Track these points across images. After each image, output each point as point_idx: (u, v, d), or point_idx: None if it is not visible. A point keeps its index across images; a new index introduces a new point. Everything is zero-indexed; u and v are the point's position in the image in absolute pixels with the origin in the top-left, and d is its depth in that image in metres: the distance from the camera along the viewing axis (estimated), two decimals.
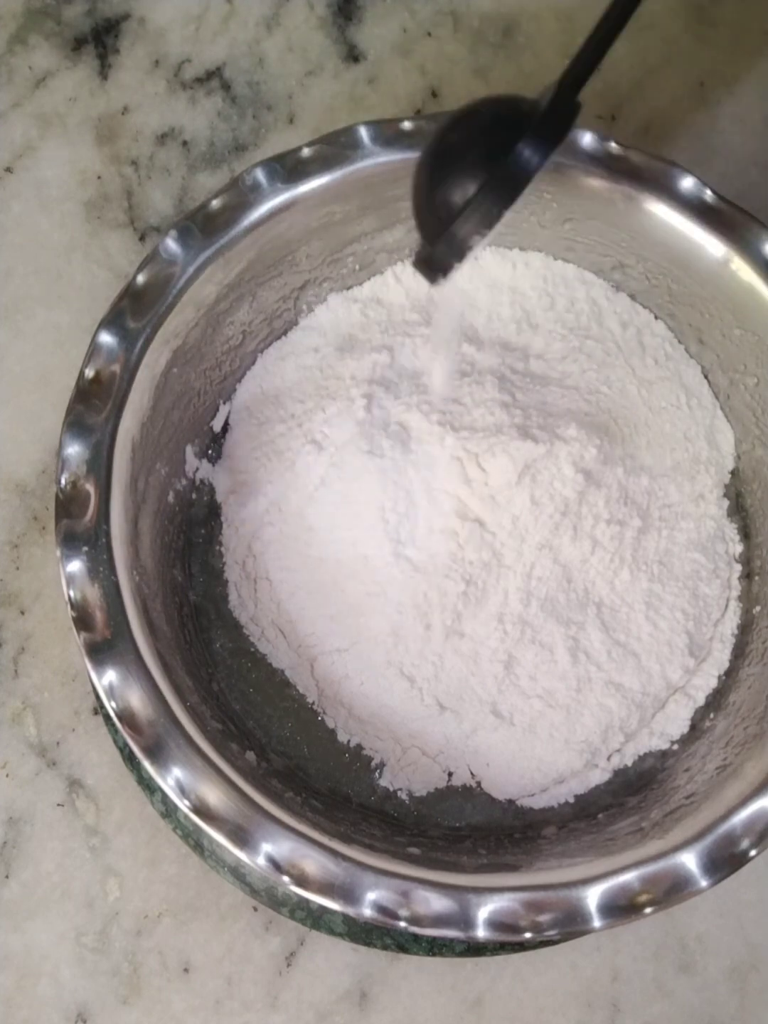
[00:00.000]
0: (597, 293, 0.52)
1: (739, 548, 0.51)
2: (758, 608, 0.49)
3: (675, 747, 0.48)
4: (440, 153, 0.30)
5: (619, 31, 0.30)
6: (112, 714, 0.39)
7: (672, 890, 0.39)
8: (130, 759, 0.49)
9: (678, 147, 0.59)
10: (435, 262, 0.30)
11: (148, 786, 0.48)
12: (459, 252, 0.29)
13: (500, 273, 0.51)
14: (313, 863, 0.38)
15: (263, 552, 0.49)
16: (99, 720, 0.51)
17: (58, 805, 0.50)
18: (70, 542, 0.40)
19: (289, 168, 0.45)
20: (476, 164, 0.28)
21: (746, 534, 0.51)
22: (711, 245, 0.45)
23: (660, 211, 0.46)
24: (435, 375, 0.47)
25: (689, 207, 0.45)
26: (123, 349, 0.42)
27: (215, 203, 0.44)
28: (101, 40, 0.59)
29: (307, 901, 0.45)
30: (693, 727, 0.48)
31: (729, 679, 0.49)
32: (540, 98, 0.30)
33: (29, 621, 0.52)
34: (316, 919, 0.47)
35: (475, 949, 0.48)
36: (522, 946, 0.48)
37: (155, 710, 0.39)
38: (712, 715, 0.48)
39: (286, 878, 0.38)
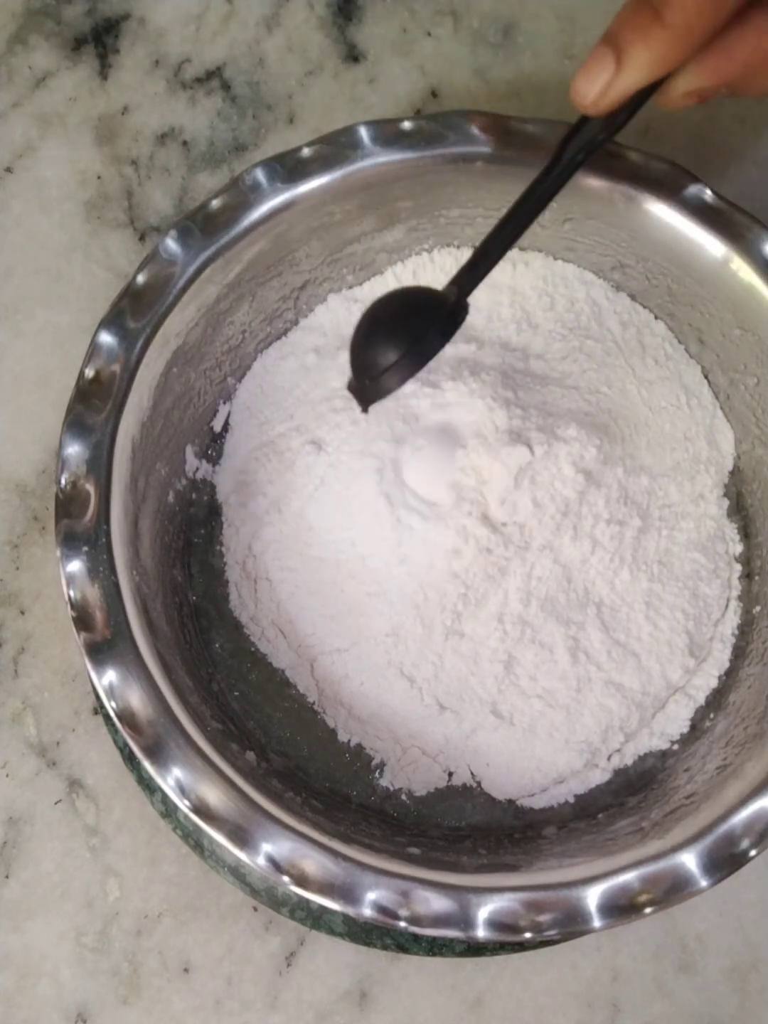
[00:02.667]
0: (597, 293, 0.52)
1: (739, 548, 0.51)
2: (758, 608, 0.49)
3: (675, 747, 0.48)
4: (374, 323, 0.41)
5: (509, 247, 0.41)
6: (112, 714, 0.39)
7: (672, 890, 0.39)
8: (130, 759, 0.49)
9: (678, 147, 0.59)
10: (364, 397, 0.42)
11: (148, 786, 0.48)
12: (380, 396, 0.41)
13: (500, 273, 0.51)
14: (313, 863, 0.38)
15: (263, 552, 0.49)
16: (99, 720, 0.51)
17: (58, 805, 0.50)
18: (70, 542, 0.40)
19: (289, 168, 0.45)
20: (398, 339, 0.40)
21: (746, 534, 0.51)
22: (711, 245, 0.45)
23: (660, 211, 0.46)
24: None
25: (689, 207, 0.45)
26: (123, 349, 0.42)
27: (215, 203, 0.44)
28: (101, 40, 0.59)
29: (307, 901, 0.45)
30: (693, 727, 0.48)
31: (729, 679, 0.49)
32: (446, 292, 0.40)
33: (29, 621, 0.52)
34: (316, 919, 0.47)
35: (475, 949, 0.48)
36: (522, 946, 0.48)
37: (155, 710, 0.39)
38: (712, 715, 0.48)
39: (286, 878, 0.38)
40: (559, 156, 0.40)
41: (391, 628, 0.47)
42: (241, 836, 0.38)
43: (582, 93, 0.37)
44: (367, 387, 0.41)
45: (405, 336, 0.40)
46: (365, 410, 0.43)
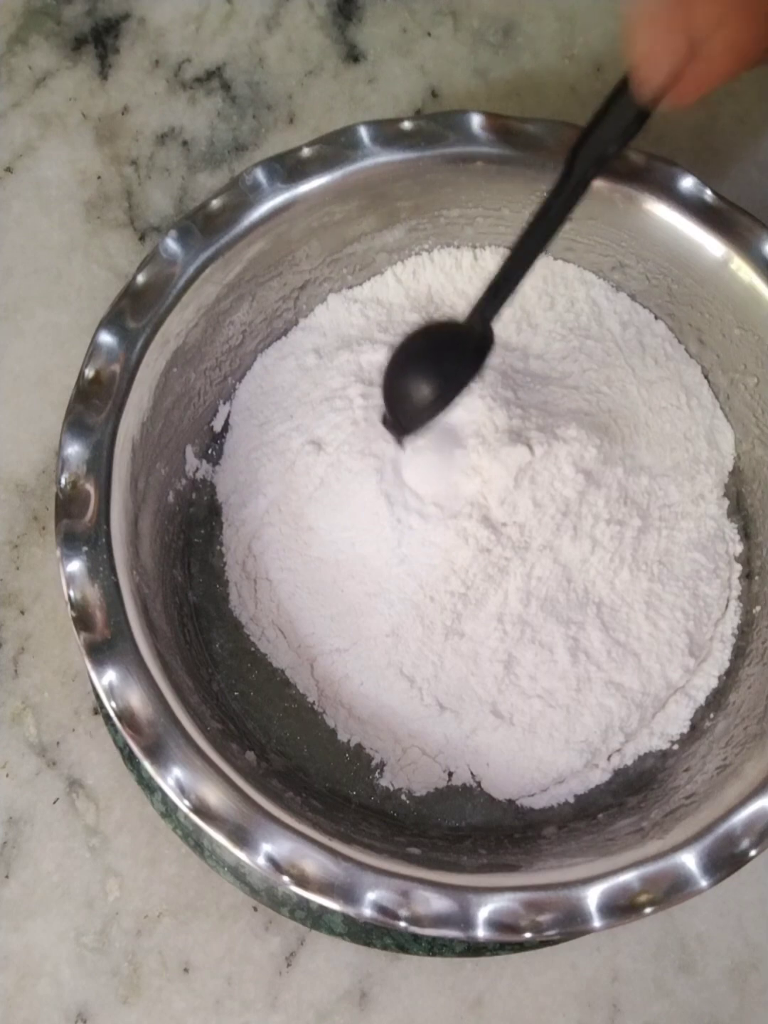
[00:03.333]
0: (597, 293, 0.52)
1: (739, 548, 0.51)
2: (758, 608, 0.49)
3: (675, 747, 0.48)
4: (405, 361, 0.43)
5: (528, 268, 0.41)
6: (112, 714, 0.39)
7: (672, 890, 0.39)
8: (130, 759, 0.49)
9: (678, 147, 0.59)
10: (399, 432, 0.44)
11: (148, 786, 0.48)
12: (415, 429, 0.44)
13: None
14: (313, 863, 0.38)
15: (263, 552, 0.49)
16: (99, 720, 0.51)
17: (58, 805, 0.50)
18: (70, 542, 0.40)
19: (289, 168, 0.45)
20: (430, 375, 0.42)
21: (746, 534, 0.51)
22: (711, 245, 0.45)
23: (660, 211, 0.46)
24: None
25: (689, 207, 0.45)
26: (123, 349, 0.42)
27: (215, 203, 0.44)
28: (101, 40, 0.59)
29: (307, 901, 0.45)
30: (693, 727, 0.48)
31: (729, 679, 0.49)
32: (471, 323, 0.42)
33: (29, 621, 0.52)
34: (316, 919, 0.47)
35: (475, 949, 0.48)
36: (522, 946, 0.48)
37: (155, 710, 0.39)
38: (712, 715, 0.48)
39: (286, 878, 0.38)
40: (570, 171, 0.40)
41: (391, 628, 0.47)
42: (241, 836, 0.38)
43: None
44: (402, 422, 0.43)
45: (436, 372, 0.42)
46: (401, 444, 0.46)
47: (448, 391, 0.42)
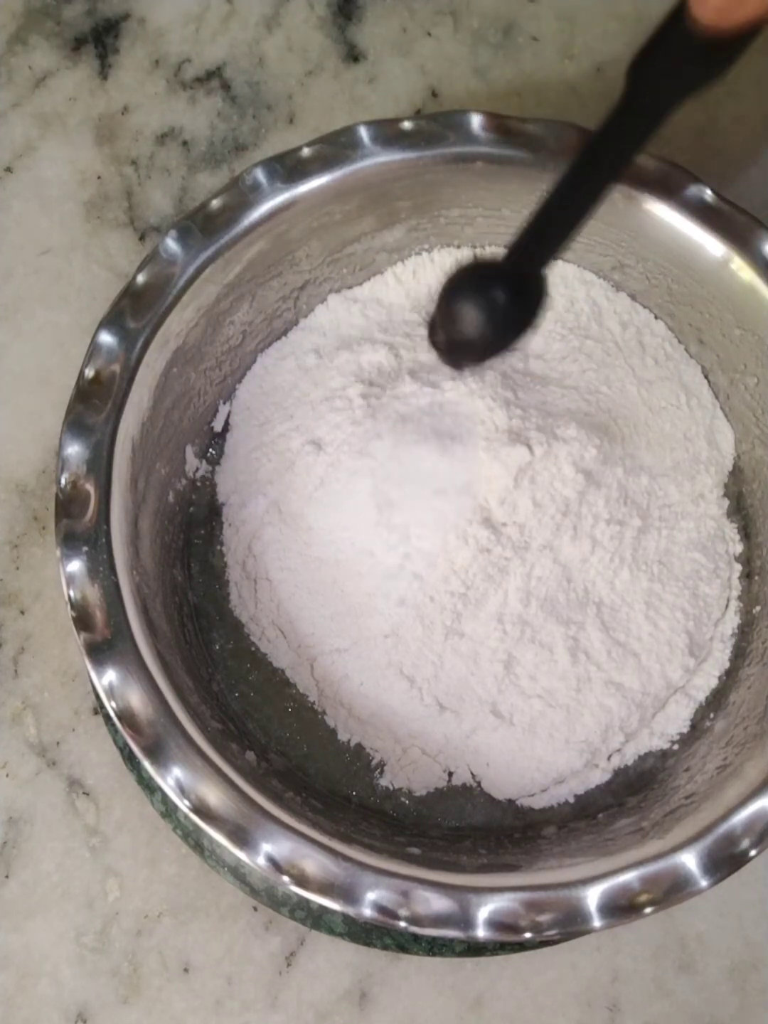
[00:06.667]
0: (597, 293, 0.52)
1: (739, 548, 0.51)
2: (758, 608, 0.49)
3: (675, 747, 0.48)
4: (455, 300, 0.39)
5: (579, 216, 0.37)
6: (112, 714, 0.39)
7: (672, 890, 0.39)
8: (130, 759, 0.49)
9: (678, 147, 0.58)
10: (458, 364, 0.42)
11: (148, 786, 0.48)
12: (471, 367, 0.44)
13: None
14: (313, 863, 0.38)
15: (263, 552, 0.49)
16: (99, 720, 0.51)
17: (58, 805, 0.50)
18: (70, 542, 0.40)
19: (289, 168, 0.45)
20: (482, 325, 0.38)
21: (746, 534, 0.51)
22: (711, 245, 0.45)
23: (660, 211, 0.46)
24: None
25: (689, 207, 0.45)
26: (123, 349, 0.42)
27: (215, 203, 0.44)
28: (101, 40, 0.59)
29: (307, 901, 0.45)
30: (693, 727, 0.48)
31: (729, 679, 0.49)
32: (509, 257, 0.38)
33: (29, 621, 0.52)
34: (316, 919, 0.47)
35: (475, 949, 0.48)
36: (522, 946, 0.48)
37: (155, 710, 0.39)
38: (712, 715, 0.48)
39: (286, 878, 0.38)
40: (637, 94, 0.36)
41: (391, 628, 0.47)
42: (241, 836, 0.38)
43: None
44: (454, 356, 0.41)
45: (486, 317, 0.38)
46: (458, 367, 0.43)
47: (499, 338, 0.38)
